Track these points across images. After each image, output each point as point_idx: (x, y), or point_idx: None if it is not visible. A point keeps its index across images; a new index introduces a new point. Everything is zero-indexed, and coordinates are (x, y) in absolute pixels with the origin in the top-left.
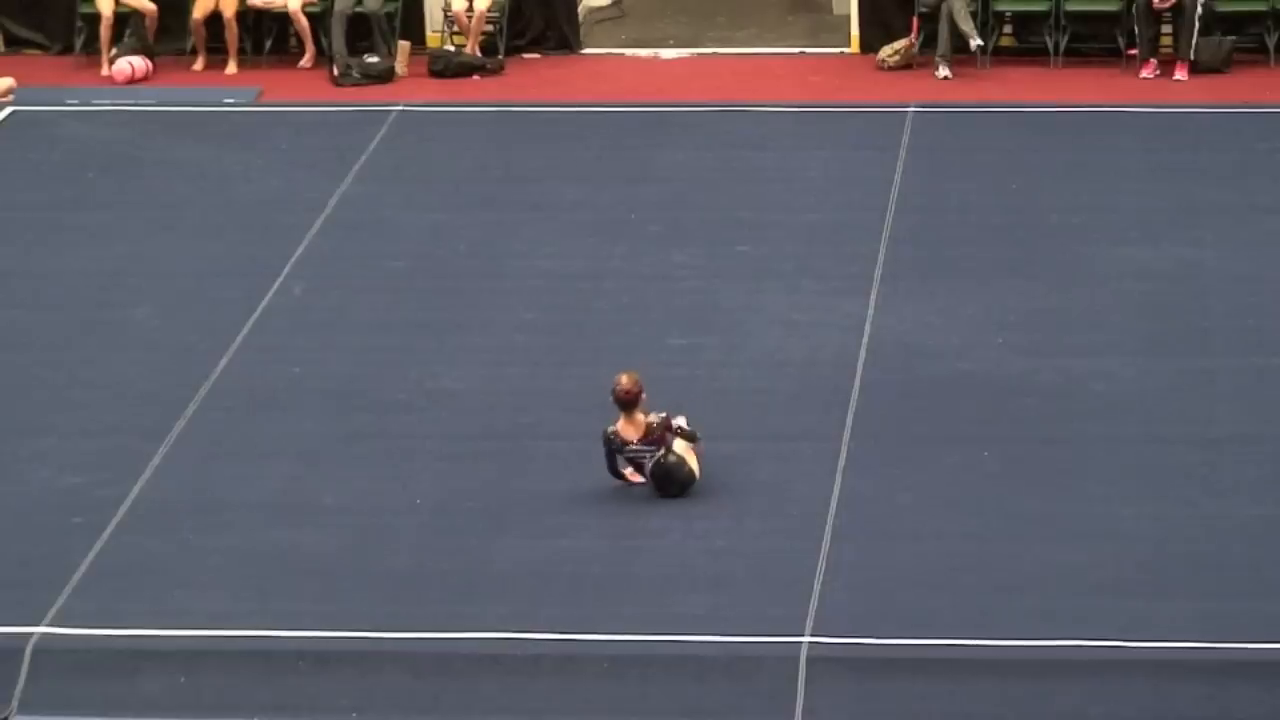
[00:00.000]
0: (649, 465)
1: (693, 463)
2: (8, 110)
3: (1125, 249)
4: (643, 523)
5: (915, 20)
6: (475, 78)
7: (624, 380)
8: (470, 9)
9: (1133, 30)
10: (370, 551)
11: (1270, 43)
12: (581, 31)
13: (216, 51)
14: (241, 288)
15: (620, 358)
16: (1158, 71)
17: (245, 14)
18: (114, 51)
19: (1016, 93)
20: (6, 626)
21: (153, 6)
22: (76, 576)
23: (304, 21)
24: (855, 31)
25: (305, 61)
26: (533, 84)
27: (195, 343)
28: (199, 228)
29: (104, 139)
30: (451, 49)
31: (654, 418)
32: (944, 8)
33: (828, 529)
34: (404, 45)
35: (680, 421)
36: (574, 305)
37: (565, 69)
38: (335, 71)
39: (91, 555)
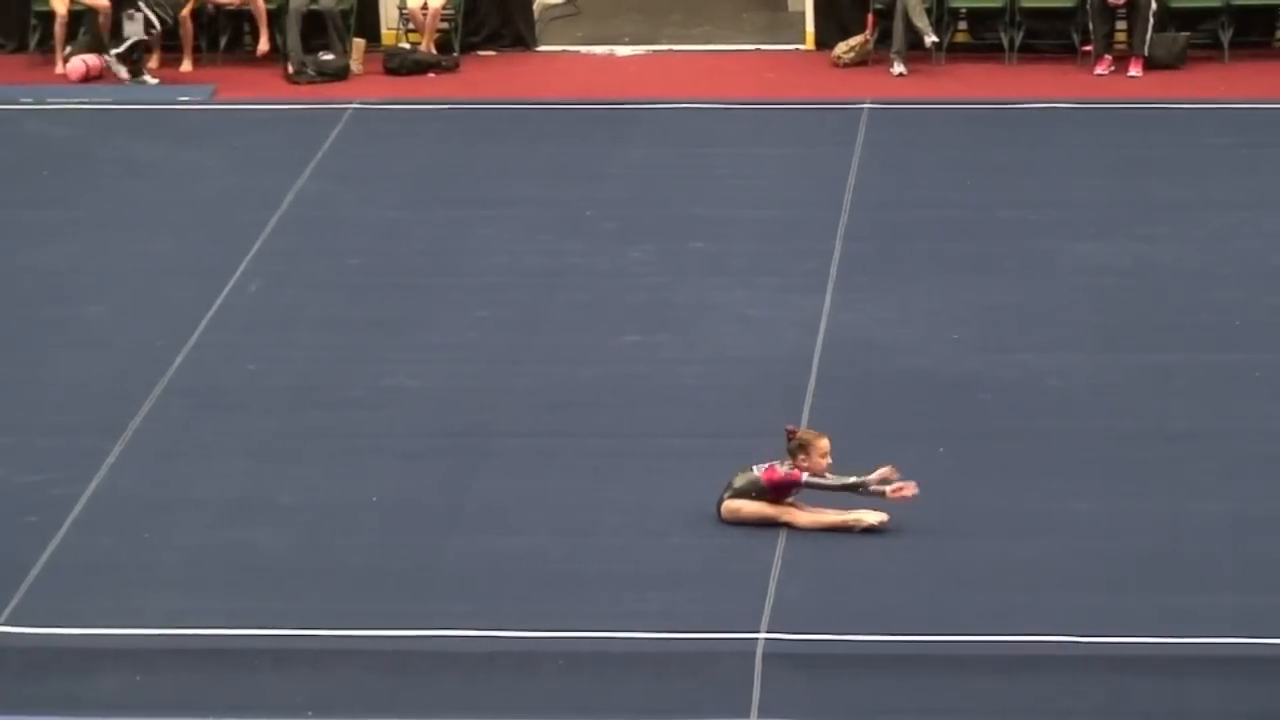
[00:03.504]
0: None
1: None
2: None
3: (1080, 244)
4: (599, 519)
5: (870, 17)
6: (430, 75)
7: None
8: (425, 7)
9: (1087, 26)
10: (326, 549)
11: (1224, 38)
12: (537, 29)
13: (171, 49)
14: (197, 285)
15: (576, 355)
16: (1112, 68)
17: (200, 11)
18: (68, 49)
19: (971, 89)
20: None
21: (107, 4)
22: (32, 575)
23: (261, 5)
24: (810, 28)
25: (261, 46)
26: (488, 81)
27: (151, 340)
28: (154, 225)
29: (58, 137)
30: (407, 46)
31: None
32: (899, 4)
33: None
34: (359, 43)
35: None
36: (530, 302)
37: (520, 66)
38: (290, 69)
39: (47, 554)
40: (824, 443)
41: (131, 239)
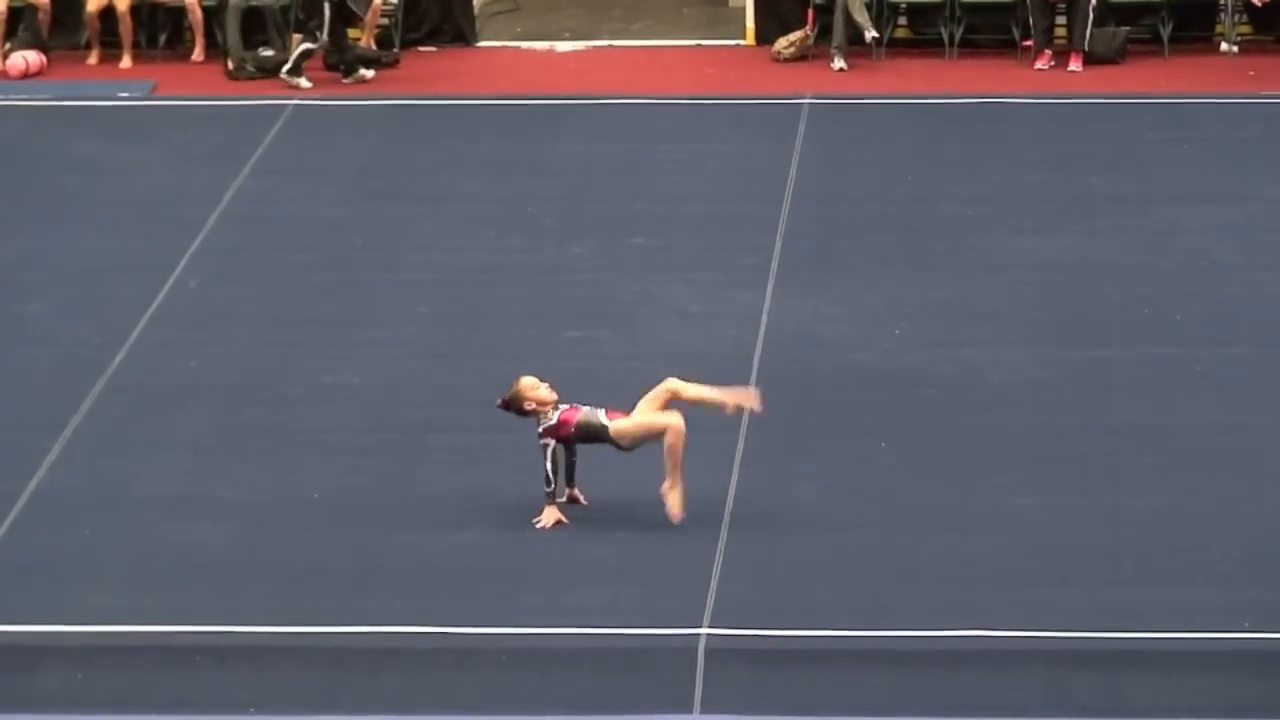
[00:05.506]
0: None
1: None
2: None
3: (1021, 239)
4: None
5: (810, 12)
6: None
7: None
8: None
9: (1027, 21)
10: (267, 546)
11: (1164, 33)
12: (477, 24)
13: (111, 45)
14: (137, 282)
15: (517, 351)
16: (1052, 62)
17: (140, 7)
18: (8, 46)
19: (912, 84)
20: None
21: (46, 0)
22: None
23: (198, 14)
24: (750, 23)
25: (196, 55)
26: (428, 77)
27: (91, 337)
28: (94, 222)
29: None
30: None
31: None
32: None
33: (725, 521)
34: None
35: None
36: (471, 299)
37: (461, 62)
38: (230, 65)
39: None
40: (524, 381)
41: (71, 236)
